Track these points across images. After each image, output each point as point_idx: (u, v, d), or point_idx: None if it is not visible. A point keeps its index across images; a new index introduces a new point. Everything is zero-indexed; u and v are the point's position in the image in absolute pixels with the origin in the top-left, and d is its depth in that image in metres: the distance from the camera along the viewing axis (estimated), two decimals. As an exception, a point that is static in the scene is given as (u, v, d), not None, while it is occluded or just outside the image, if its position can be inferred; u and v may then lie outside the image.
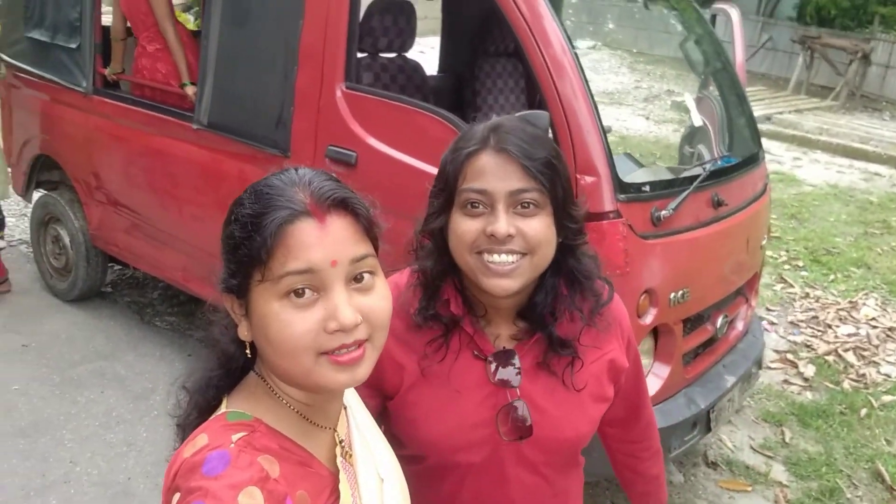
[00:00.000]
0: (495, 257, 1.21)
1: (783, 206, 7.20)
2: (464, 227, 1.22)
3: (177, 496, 0.87)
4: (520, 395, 1.30)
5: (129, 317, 4.45)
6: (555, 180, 1.21)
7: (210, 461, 0.88)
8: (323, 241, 0.91)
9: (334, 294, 0.92)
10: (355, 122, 2.85)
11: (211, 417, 0.98)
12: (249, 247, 0.91)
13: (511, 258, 1.21)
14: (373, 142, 2.79)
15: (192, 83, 3.58)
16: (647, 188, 2.58)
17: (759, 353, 3.24)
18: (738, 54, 3.81)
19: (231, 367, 1.03)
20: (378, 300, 0.97)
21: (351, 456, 1.07)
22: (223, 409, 0.99)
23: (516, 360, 1.31)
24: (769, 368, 4.25)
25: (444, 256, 1.29)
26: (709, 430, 2.86)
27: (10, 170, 4.76)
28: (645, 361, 2.64)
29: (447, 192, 1.25)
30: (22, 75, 4.45)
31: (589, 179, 2.43)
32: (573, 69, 2.50)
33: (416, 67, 3.62)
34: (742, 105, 3.58)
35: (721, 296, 2.92)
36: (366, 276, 0.96)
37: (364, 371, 0.96)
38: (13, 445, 3.23)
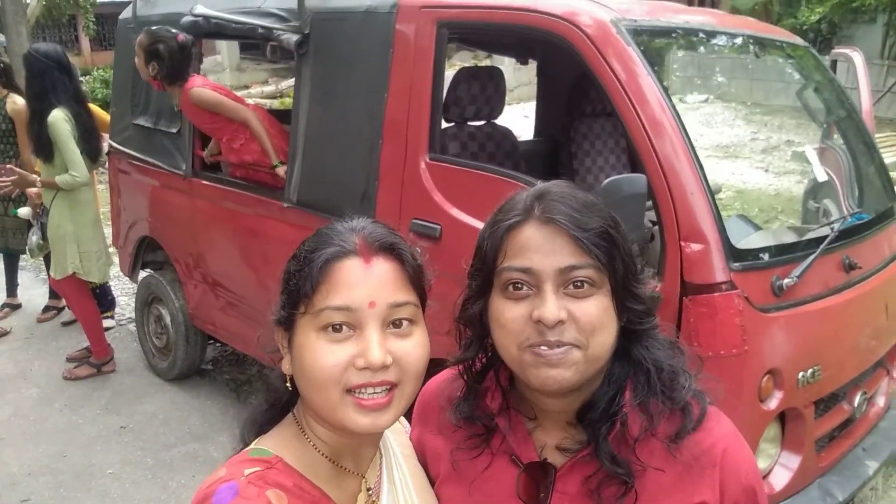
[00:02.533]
0: (544, 349, 1.00)
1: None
2: (507, 314, 1.02)
3: None
4: None
5: (227, 395, 4.42)
6: (613, 254, 1.01)
7: (220, 492, 0.91)
8: (365, 282, 0.95)
9: (367, 333, 0.94)
10: (439, 193, 2.71)
11: (237, 454, 1.02)
12: (298, 279, 0.97)
13: (562, 348, 0.99)
14: (457, 213, 2.63)
15: (282, 163, 3.56)
16: (766, 254, 2.28)
17: (905, 430, 2.80)
18: (864, 100, 3.47)
19: (275, 402, 1.07)
20: (413, 348, 0.98)
21: None
22: (251, 446, 1.03)
23: (551, 477, 1.06)
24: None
25: (485, 346, 1.11)
26: (850, 525, 2.45)
27: (112, 250, 4.92)
28: (772, 451, 2.31)
29: (485, 273, 1.05)
30: (128, 161, 4.61)
31: (695, 247, 2.16)
32: (673, 127, 2.26)
33: (505, 134, 3.47)
34: (871, 154, 3.23)
35: (858, 371, 2.54)
36: (404, 322, 0.97)
37: (388, 418, 0.97)
38: (103, 534, 3.18)
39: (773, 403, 2.22)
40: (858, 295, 2.52)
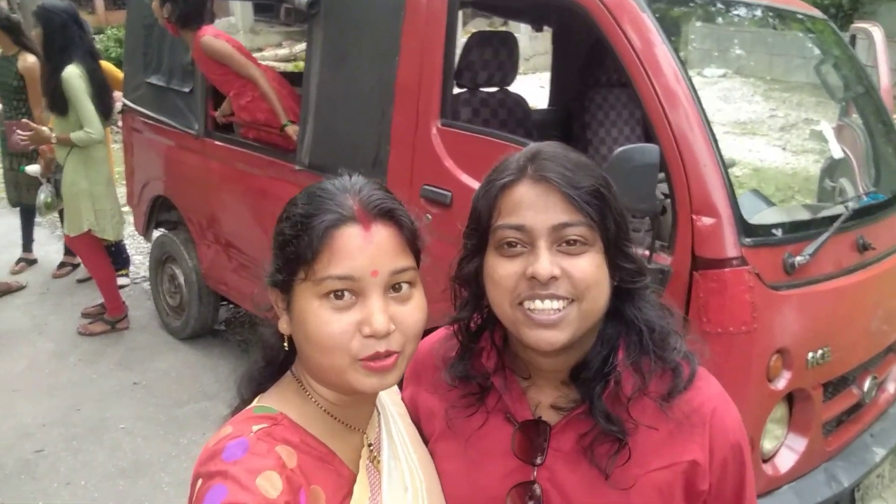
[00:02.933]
0: (538, 303, 1.01)
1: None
2: (500, 271, 1.03)
3: (199, 482, 0.90)
4: (545, 477, 1.09)
5: (238, 356, 4.46)
6: (605, 212, 1.01)
7: (229, 448, 0.91)
8: (366, 250, 0.95)
9: (371, 301, 0.95)
10: (450, 159, 2.69)
11: (241, 412, 1.02)
12: (297, 246, 0.96)
13: (556, 304, 1.00)
14: (468, 180, 2.61)
15: (293, 122, 3.55)
16: (779, 231, 2.25)
17: (917, 419, 2.78)
18: (884, 78, 3.39)
19: (272, 360, 1.08)
20: (413, 311, 0.99)
21: (378, 462, 1.08)
22: (254, 403, 1.03)
23: (546, 434, 1.09)
24: (930, 433, 3.69)
25: (481, 307, 1.12)
26: (855, 511, 2.45)
27: (125, 209, 4.94)
28: (778, 432, 2.30)
29: (480, 232, 1.07)
30: (142, 120, 4.61)
31: (707, 221, 2.13)
32: (688, 98, 2.22)
33: (518, 101, 3.43)
34: (889, 134, 3.16)
35: (869, 355, 2.51)
36: (404, 286, 0.99)
37: (392, 378, 0.99)
38: (113, 487, 3.24)
39: (782, 383, 2.20)
40: (871, 276, 2.48)
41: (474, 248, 1.08)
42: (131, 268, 5.63)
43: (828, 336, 2.29)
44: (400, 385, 1.23)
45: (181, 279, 4.51)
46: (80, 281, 5.52)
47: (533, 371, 1.13)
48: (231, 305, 4.88)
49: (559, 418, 1.10)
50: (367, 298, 0.95)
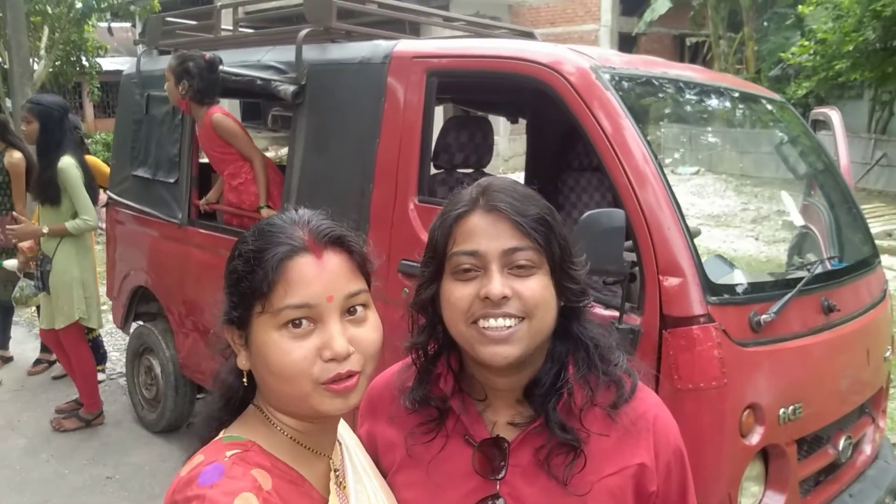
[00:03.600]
0: (491, 322, 1.08)
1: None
2: (456, 293, 1.11)
3: None
4: (506, 492, 1.13)
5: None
6: (550, 238, 1.11)
7: (205, 473, 0.93)
8: (320, 277, 0.98)
9: (329, 326, 0.98)
10: (427, 234, 2.76)
11: (209, 443, 1.04)
12: (252, 280, 0.98)
13: (508, 322, 1.08)
14: (444, 253, 2.68)
15: (269, 206, 3.64)
16: (743, 289, 2.33)
17: (893, 479, 2.80)
18: (843, 157, 3.57)
19: (231, 398, 1.09)
20: (370, 331, 1.03)
21: (345, 487, 1.10)
22: (220, 435, 1.05)
23: (504, 450, 1.13)
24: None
25: (436, 332, 1.18)
26: (837, 574, 2.42)
27: (105, 303, 4.94)
28: (754, 489, 2.30)
29: (437, 261, 1.14)
30: (126, 212, 4.69)
31: (673, 281, 2.21)
32: (655, 178, 2.33)
33: (493, 182, 3.55)
34: (851, 209, 3.31)
35: (840, 413, 2.56)
36: (359, 309, 1.02)
37: (356, 398, 1.02)
38: (82, 581, 3.11)
39: (755, 439, 2.23)
40: (837, 336, 2.55)
41: (431, 276, 1.16)
42: (107, 364, 5.56)
43: (798, 392, 2.34)
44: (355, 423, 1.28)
45: (158, 370, 4.47)
46: (56, 378, 5.44)
47: (489, 391, 1.18)
48: (207, 397, 4.81)
49: (516, 434, 1.15)
50: (324, 324, 0.98)
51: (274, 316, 0.97)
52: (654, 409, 1.17)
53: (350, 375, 0.99)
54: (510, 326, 1.08)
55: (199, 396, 4.55)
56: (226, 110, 3.91)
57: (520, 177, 5.11)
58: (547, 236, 1.10)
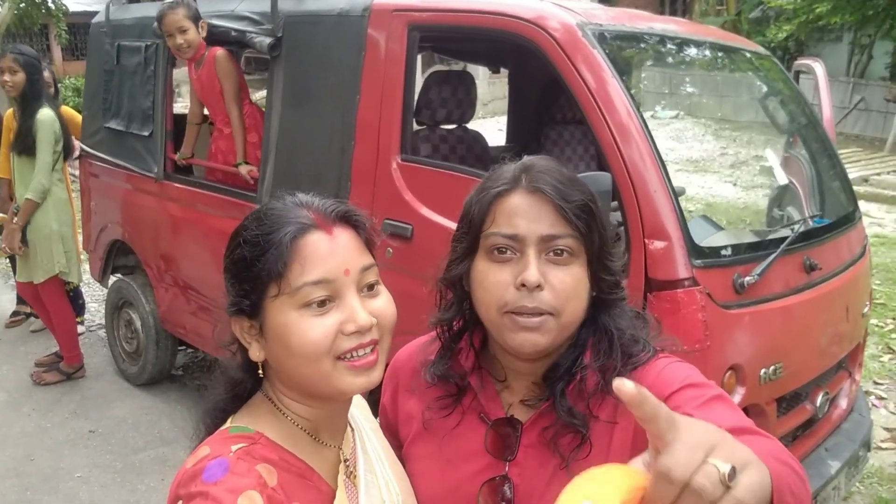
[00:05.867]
0: (524, 316, 1.06)
1: (887, 271, 6.68)
2: (491, 277, 1.07)
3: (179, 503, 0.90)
4: (516, 473, 1.12)
5: (197, 400, 4.39)
6: (591, 226, 1.06)
7: (209, 469, 0.91)
8: (334, 252, 0.97)
9: (348, 300, 0.97)
10: (410, 193, 2.74)
11: (216, 433, 1.01)
12: (264, 263, 0.96)
13: (538, 318, 1.06)
14: (428, 213, 2.66)
15: (247, 162, 3.58)
16: (728, 252, 2.34)
17: (866, 432, 2.88)
18: (826, 110, 3.56)
19: (239, 392, 1.06)
20: (386, 304, 1.02)
21: (355, 477, 1.09)
22: (227, 424, 1.02)
23: (517, 431, 1.12)
24: (879, 449, 3.80)
25: (465, 308, 1.15)
26: (813, 524, 2.51)
27: (83, 255, 4.88)
28: (734, 448, 2.34)
29: (471, 237, 1.11)
30: (100, 164, 4.58)
31: (659, 244, 2.21)
32: (639, 133, 2.31)
33: (476, 137, 3.52)
34: (832, 163, 3.31)
35: (819, 370, 2.60)
36: (373, 283, 1.01)
37: (379, 373, 1.01)
38: (69, 537, 3.14)
39: (736, 399, 2.25)
40: (819, 295, 2.58)
41: (464, 252, 1.12)
42: (86, 315, 5.53)
43: (779, 352, 2.37)
44: (378, 392, 1.27)
45: (138, 324, 4.45)
46: (35, 331, 5.39)
47: (509, 373, 1.16)
48: (188, 350, 4.82)
49: (529, 415, 1.14)
50: (343, 298, 0.97)
51: (292, 296, 0.95)
52: (657, 371, 1.07)
53: (372, 348, 0.99)
54: (541, 316, 1.05)
55: (180, 348, 4.56)
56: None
57: (501, 121, 5.05)
58: (588, 224, 1.06)
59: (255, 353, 1.01)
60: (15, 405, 4.33)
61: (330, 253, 0.97)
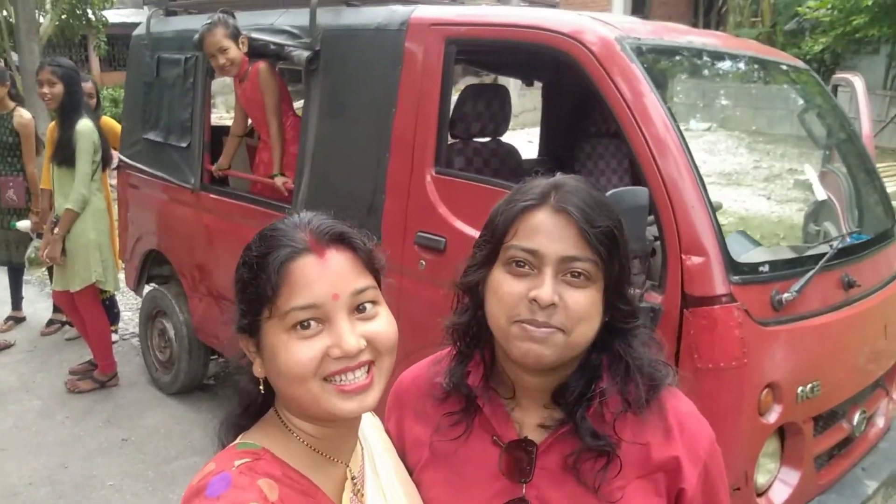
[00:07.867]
0: (531, 327, 1.06)
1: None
2: (506, 287, 1.08)
3: None
4: (533, 496, 1.12)
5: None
6: (612, 253, 1.07)
7: (212, 484, 0.94)
8: (323, 276, 0.97)
9: (337, 325, 0.97)
10: (444, 206, 2.74)
11: (224, 449, 1.04)
12: (256, 286, 0.98)
13: (547, 330, 1.06)
14: (461, 226, 2.66)
15: (283, 174, 3.61)
16: (766, 268, 2.31)
17: (904, 452, 2.80)
18: (865, 125, 3.51)
19: (249, 405, 1.08)
20: (382, 325, 1.02)
21: (363, 495, 1.09)
22: (237, 440, 1.05)
23: (532, 453, 1.12)
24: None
25: (479, 315, 1.15)
26: (850, 545, 2.45)
27: (122, 264, 4.96)
28: (771, 466, 2.31)
29: (492, 246, 1.11)
30: (138, 175, 4.66)
31: (696, 260, 2.18)
32: (677, 146, 2.29)
33: (510, 151, 3.52)
34: (871, 178, 3.26)
35: (857, 389, 2.56)
36: (368, 305, 1.01)
37: (373, 398, 1.01)
38: (103, 543, 3.17)
39: (773, 417, 2.23)
40: (857, 313, 2.54)
41: (483, 259, 1.13)
42: (120, 324, 5.61)
43: (817, 370, 2.33)
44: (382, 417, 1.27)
45: (171, 333, 4.50)
46: (69, 339, 5.48)
47: (518, 389, 1.16)
48: (221, 359, 4.86)
49: (544, 437, 1.13)
50: (332, 323, 0.97)
51: (281, 319, 0.97)
52: (683, 409, 1.15)
53: (366, 371, 0.99)
54: (550, 329, 1.06)
55: (212, 358, 4.60)
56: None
57: (531, 133, 5.03)
58: (610, 251, 1.07)
59: (258, 370, 1.04)
60: (49, 413, 4.40)
61: (318, 277, 0.97)
